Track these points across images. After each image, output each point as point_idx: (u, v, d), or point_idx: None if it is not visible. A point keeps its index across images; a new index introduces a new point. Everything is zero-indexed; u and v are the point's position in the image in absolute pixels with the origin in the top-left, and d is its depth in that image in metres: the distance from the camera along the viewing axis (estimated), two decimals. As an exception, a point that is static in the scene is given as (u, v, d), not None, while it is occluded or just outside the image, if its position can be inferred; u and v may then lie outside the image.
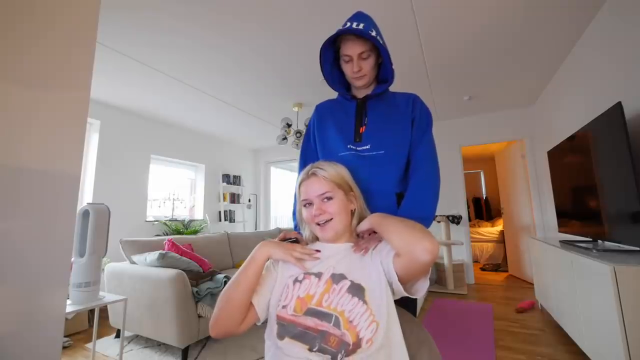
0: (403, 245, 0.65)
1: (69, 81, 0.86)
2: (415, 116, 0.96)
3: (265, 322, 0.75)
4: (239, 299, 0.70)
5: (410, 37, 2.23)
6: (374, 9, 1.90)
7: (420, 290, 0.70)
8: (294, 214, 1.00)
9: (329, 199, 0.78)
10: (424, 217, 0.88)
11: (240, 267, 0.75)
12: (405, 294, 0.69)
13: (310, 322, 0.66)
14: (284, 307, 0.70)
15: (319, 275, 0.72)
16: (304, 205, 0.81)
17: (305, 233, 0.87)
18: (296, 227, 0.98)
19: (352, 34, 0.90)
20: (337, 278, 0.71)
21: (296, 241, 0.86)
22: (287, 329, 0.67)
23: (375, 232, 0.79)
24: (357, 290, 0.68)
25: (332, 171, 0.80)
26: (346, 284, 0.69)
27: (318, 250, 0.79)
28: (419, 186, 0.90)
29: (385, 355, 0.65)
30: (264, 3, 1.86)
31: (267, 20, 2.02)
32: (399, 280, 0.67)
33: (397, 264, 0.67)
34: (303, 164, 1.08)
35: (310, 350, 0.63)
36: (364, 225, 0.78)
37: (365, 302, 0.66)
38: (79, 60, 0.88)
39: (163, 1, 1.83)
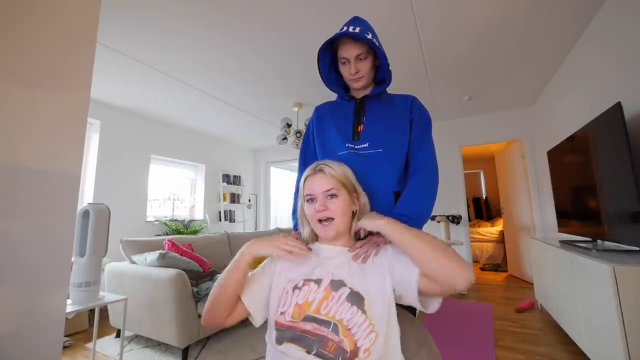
0: (442, 275, 0.62)
1: (69, 81, 0.86)
2: (413, 117, 0.97)
3: (265, 322, 0.76)
4: (224, 300, 0.72)
5: (411, 37, 2.23)
6: (375, 9, 1.90)
7: (435, 307, 0.68)
8: (293, 213, 1.00)
9: (334, 196, 0.77)
10: (421, 214, 0.89)
11: (227, 267, 0.74)
12: (419, 308, 0.68)
13: (309, 326, 0.66)
14: (282, 313, 0.69)
15: (318, 281, 0.72)
16: (307, 201, 0.80)
17: (305, 232, 0.87)
18: (295, 227, 0.98)
19: (348, 37, 0.92)
20: (336, 285, 0.70)
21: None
22: (285, 334, 0.67)
23: (372, 233, 0.78)
24: (356, 298, 0.67)
25: (338, 170, 0.80)
26: (345, 291, 0.68)
27: (310, 249, 0.79)
28: (418, 187, 0.91)
29: None
30: (265, 3, 1.86)
31: (268, 20, 2.02)
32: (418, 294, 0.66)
33: (424, 284, 0.64)
34: (303, 165, 1.10)
35: (309, 353, 0.63)
36: (369, 224, 0.74)
37: (364, 311, 0.65)
38: (79, 60, 0.88)
39: (164, 1, 1.83)
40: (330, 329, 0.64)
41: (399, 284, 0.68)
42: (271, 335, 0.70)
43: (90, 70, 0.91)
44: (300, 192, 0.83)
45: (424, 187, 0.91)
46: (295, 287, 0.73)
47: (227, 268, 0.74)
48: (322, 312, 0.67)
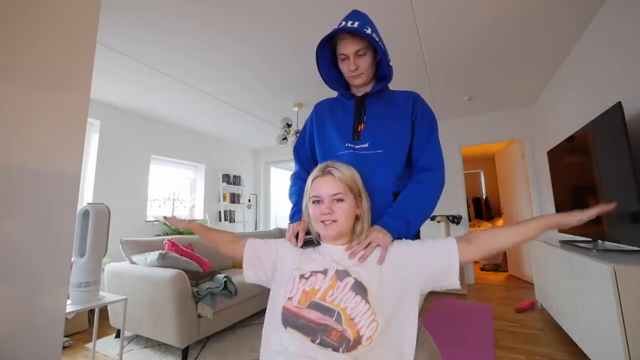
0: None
1: (69, 81, 0.86)
2: (416, 116, 0.95)
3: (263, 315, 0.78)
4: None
5: (410, 37, 2.23)
6: (374, 8, 1.90)
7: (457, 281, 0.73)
8: (291, 194, 1.02)
9: (340, 200, 0.78)
10: (423, 212, 0.87)
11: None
12: (456, 286, 0.72)
13: (313, 315, 0.68)
14: (289, 298, 0.73)
15: (324, 272, 0.75)
16: (313, 202, 0.80)
17: (310, 229, 0.87)
18: (293, 215, 0.97)
19: (347, 32, 0.89)
20: (341, 275, 0.73)
21: (312, 241, 0.86)
22: (290, 319, 0.70)
23: (371, 242, 0.79)
24: (360, 289, 0.70)
25: (347, 173, 0.80)
26: (350, 281, 0.71)
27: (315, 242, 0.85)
28: (423, 184, 0.89)
29: (386, 352, 0.67)
30: (265, 3, 1.86)
31: (268, 19, 2.02)
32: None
33: (465, 255, 0.72)
34: (298, 161, 1.10)
35: (313, 341, 0.66)
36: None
37: (367, 301, 0.68)
38: (79, 60, 0.88)
39: (164, 1, 1.83)
40: (334, 318, 0.67)
41: (436, 272, 0.73)
42: (277, 317, 0.73)
43: (90, 70, 0.91)
44: (307, 191, 0.83)
45: (429, 185, 0.89)
46: (302, 277, 0.76)
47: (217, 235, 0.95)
48: (327, 300, 0.70)
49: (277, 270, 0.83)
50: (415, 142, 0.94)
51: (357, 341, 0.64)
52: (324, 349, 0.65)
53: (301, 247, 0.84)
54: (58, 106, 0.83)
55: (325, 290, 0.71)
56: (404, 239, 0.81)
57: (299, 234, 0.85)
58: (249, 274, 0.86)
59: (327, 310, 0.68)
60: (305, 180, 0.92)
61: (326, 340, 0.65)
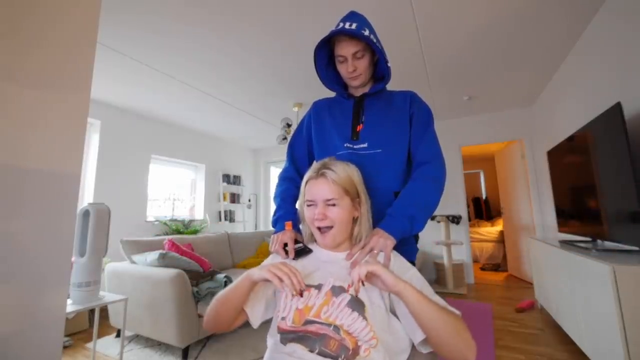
0: (449, 354, 0.63)
1: (70, 82, 0.86)
2: (413, 113, 0.95)
3: (265, 322, 0.76)
4: (226, 314, 0.73)
5: (410, 37, 2.23)
6: (374, 8, 1.90)
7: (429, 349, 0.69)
8: (275, 197, 0.98)
9: (334, 205, 0.75)
10: (428, 207, 0.84)
11: (231, 286, 0.73)
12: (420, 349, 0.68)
13: (311, 327, 0.66)
14: (283, 318, 0.69)
15: (319, 287, 0.71)
16: (307, 205, 0.78)
17: (305, 231, 0.86)
18: (276, 223, 0.94)
19: (344, 34, 0.89)
20: (337, 291, 0.69)
21: (304, 249, 0.82)
22: (288, 336, 0.67)
23: (373, 249, 0.75)
24: (357, 305, 0.66)
25: (342, 174, 0.77)
26: (346, 297, 0.67)
27: (310, 250, 0.80)
28: (423, 178, 0.87)
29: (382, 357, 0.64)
30: (264, 3, 1.86)
31: (267, 20, 2.02)
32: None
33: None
34: (290, 157, 1.07)
35: (311, 352, 0.63)
36: (387, 278, 0.61)
37: (365, 317, 0.65)
38: (79, 61, 0.88)
39: (164, 2, 1.83)
40: (331, 328, 0.65)
41: (403, 323, 0.68)
42: (275, 337, 0.70)
43: (91, 71, 0.91)
44: (302, 193, 0.81)
45: (428, 179, 0.87)
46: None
47: (228, 287, 0.74)
48: (322, 317, 0.66)
49: (273, 296, 0.78)
50: (412, 138, 0.93)
51: (356, 351, 0.62)
52: (324, 359, 0.62)
53: (293, 259, 0.79)
54: (59, 106, 0.83)
55: (319, 307, 0.67)
56: (404, 260, 0.78)
57: (288, 245, 0.81)
58: (260, 315, 0.76)
59: (323, 324, 0.66)
60: (292, 181, 0.90)
61: (324, 350, 0.63)
